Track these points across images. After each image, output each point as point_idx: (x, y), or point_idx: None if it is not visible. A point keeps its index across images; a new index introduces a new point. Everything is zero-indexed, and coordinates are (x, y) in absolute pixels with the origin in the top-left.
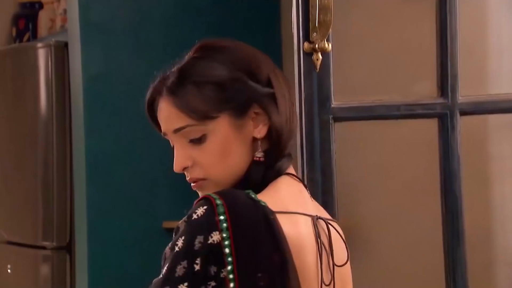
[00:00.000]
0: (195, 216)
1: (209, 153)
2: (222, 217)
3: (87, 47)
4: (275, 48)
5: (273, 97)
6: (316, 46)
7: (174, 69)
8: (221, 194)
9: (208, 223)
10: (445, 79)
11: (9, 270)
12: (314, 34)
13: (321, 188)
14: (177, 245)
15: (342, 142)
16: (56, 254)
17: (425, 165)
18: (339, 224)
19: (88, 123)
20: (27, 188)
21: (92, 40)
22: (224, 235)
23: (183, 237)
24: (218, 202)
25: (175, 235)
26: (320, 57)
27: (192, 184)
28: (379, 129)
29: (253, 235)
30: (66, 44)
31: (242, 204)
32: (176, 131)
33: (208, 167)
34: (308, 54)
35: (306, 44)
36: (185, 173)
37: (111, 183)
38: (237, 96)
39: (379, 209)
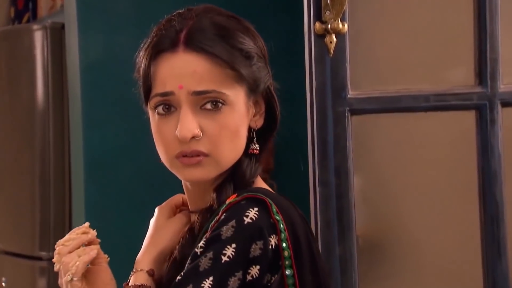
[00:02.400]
0: (247, 219)
1: (223, 125)
2: (278, 217)
3: (85, 29)
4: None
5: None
6: (329, 26)
7: (205, 22)
8: (258, 191)
9: (266, 226)
10: (484, 65)
11: (3, 284)
12: (327, 12)
13: (335, 192)
14: (224, 254)
15: (360, 138)
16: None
17: (460, 165)
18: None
19: (86, 116)
20: (23, 191)
21: (91, 21)
22: (282, 236)
23: (233, 245)
24: (270, 201)
25: (210, 243)
26: (334, 39)
27: (190, 157)
28: (404, 123)
29: (302, 236)
30: (63, 26)
31: (284, 203)
32: (199, 93)
33: (217, 141)
34: (320, 36)
35: (317, 24)
36: (184, 145)
37: (111, 183)
38: (258, 73)
39: (404, 217)
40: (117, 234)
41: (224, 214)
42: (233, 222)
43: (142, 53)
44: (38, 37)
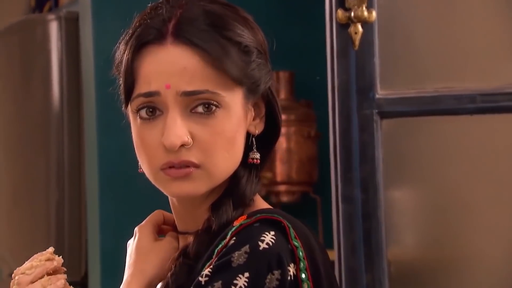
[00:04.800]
0: (263, 245)
1: (216, 131)
2: (296, 243)
3: (100, 19)
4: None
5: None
6: (354, 14)
7: (196, 10)
8: (274, 212)
9: (284, 254)
10: None
11: None
12: None
13: (362, 209)
14: (235, 284)
15: (391, 146)
16: None
17: None
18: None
19: (101, 119)
20: (38, 204)
21: (106, 10)
22: (301, 266)
23: (246, 274)
24: (288, 223)
25: (218, 271)
26: (360, 29)
27: (178, 169)
28: (445, 128)
29: (321, 265)
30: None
31: (300, 226)
32: (189, 94)
33: (210, 150)
34: (343, 26)
35: (339, 12)
36: (171, 155)
37: (127, 194)
38: (258, 71)
39: (446, 238)
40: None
41: (234, 238)
42: (246, 248)
43: (122, 46)
44: (53, 28)
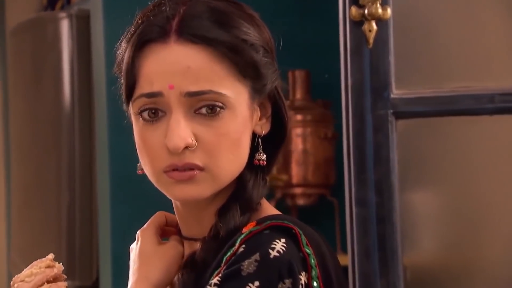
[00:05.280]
0: (273, 252)
1: (221, 133)
2: (308, 251)
3: (111, 17)
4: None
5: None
6: (368, 11)
7: (201, 7)
8: (284, 218)
9: (296, 261)
10: None
11: None
12: None
13: (376, 214)
14: None
15: (406, 148)
16: None
17: None
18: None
19: (112, 117)
20: (49, 207)
21: (118, 8)
22: (313, 274)
23: (256, 283)
24: (299, 230)
25: (227, 280)
26: (374, 27)
27: (181, 172)
28: (462, 129)
29: (333, 273)
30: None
31: (311, 232)
32: (193, 95)
33: (215, 152)
34: (357, 24)
35: (353, 9)
36: (174, 157)
37: (138, 196)
38: (264, 70)
39: (464, 242)
40: None
41: (243, 245)
42: (256, 256)
43: (124, 44)
44: (64, 26)
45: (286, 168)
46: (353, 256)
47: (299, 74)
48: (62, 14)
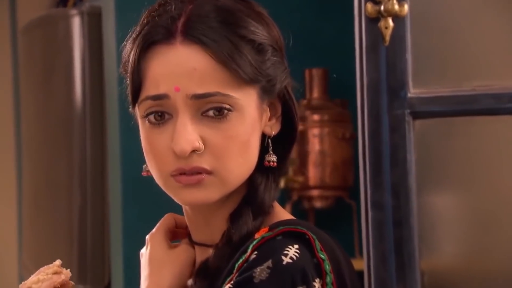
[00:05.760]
0: (286, 259)
1: (229, 135)
2: (323, 256)
3: (123, 14)
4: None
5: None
6: (384, 8)
7: (207, 6)
8: (297, 223)
9: (309, 268)
10: None
11: None
12: None
13: (393, 217)
14: None
15: (424, 149)
16: None
17: None
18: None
19: (124, 115)
20: (60, 210)
21: (130, 5)
22: (328, 280)
23: None
24: (313, 235)
25: (238, 286)
26: (391, 24)
27: (189, 176)
28: (482, 129)
29: (348, 279)
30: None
31: (326, 237)
32: (200, 97)
33: (223, 155)
34: (373, 20)
35: (369, 5)
36: (181, 161)
37: (150, 202)
38: (273, 70)
39: (486, 247)
40: None
41: (256, 252)
42: (269, 263)
43: (129, 45)
44: (75, 23)
45: (302, 169)
46: (368, 260)
47: (316, 73)
48: (74, 12)
